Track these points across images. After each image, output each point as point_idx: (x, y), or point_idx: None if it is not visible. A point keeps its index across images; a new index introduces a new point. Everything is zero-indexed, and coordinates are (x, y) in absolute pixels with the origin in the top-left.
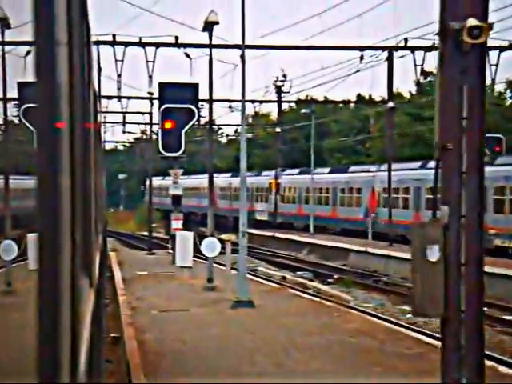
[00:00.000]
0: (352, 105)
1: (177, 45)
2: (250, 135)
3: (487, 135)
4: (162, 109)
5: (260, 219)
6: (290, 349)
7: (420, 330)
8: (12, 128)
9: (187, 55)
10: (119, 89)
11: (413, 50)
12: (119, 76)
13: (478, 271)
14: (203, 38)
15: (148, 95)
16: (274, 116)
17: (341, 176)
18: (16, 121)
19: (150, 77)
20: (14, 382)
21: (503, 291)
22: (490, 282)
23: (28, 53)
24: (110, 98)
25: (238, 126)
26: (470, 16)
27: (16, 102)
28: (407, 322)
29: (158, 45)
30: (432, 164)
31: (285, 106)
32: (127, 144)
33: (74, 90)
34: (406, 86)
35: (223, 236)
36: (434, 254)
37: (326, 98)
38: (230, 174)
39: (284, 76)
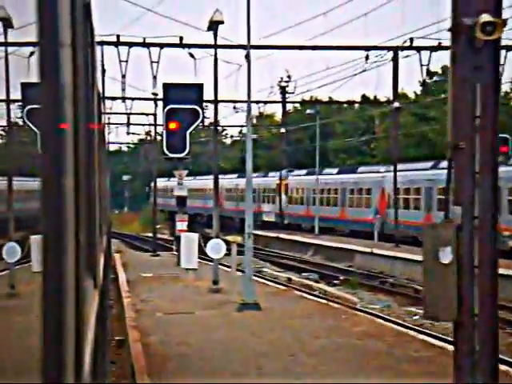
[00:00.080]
0: (357, 105)
1: (181, 45)
2: (254, 136)
3: None
4: (166, 109)
5: (267, 220)
6: (297, 352)
7: (428, 332)
8: (16, 129)
9: (192, 55)
10: (123, 90)
11: (418, 49)
12: (123, 77)
13: (492, 273)
14: (208, 38)
15: (152, 96)
16: (278, 117)
17: (349, 176)
18: (20, 122)
19: (155, 77)
20: (19, 381)
21: None
22: (503, 284)
23: (32, 53)
24: (114, 99)
25: (242, 126)
26: (482, 12)
27: (20, 104)
28: (414, 323)
29: (162, 45)
30: (444, 164)
31: (289, 106)
32: (131, 145)
33: (77, 91)
34: (411, 86)
35: (228, 237)
36: (446, 255)
37: (330, 98)
38: (236, 175)
39: (288, 77)
